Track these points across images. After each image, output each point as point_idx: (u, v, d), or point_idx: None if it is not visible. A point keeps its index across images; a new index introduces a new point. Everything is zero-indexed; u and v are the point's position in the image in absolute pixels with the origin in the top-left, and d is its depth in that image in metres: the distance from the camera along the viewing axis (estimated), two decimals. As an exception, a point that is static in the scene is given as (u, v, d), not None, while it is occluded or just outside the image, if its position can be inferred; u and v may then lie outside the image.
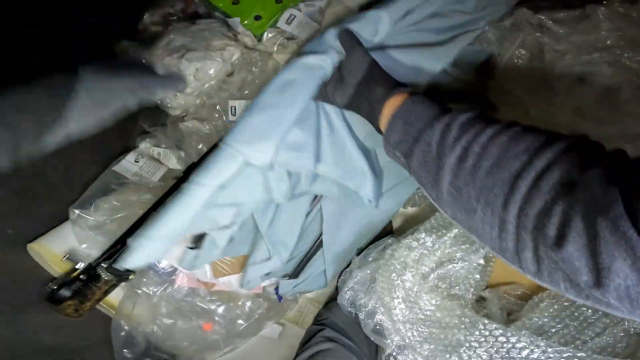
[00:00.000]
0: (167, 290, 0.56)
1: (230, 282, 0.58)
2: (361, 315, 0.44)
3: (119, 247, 0.51)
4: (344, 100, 0.39)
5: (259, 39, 0.71)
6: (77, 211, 0.60)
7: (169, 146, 0.73)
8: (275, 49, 0.69)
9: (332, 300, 0.57)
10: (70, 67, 0.28)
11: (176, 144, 0.71)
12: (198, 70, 0.68)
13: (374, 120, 0.37)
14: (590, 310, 0.38)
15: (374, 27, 0.44)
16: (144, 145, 0.77)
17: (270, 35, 0.70)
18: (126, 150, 0.80)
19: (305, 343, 0.49)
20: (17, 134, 0.24)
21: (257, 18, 0.73)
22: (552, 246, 0.21)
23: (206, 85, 0.68)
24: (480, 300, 0.48)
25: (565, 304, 0.39)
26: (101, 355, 0.58)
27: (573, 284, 0.22)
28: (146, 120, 0.79)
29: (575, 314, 0.38)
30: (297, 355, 0.48)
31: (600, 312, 0.38)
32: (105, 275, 0.50)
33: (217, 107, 0.66)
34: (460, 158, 0.28)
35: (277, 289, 0.63)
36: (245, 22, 0.72)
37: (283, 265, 0.55)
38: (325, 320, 0.51)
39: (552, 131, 0.26)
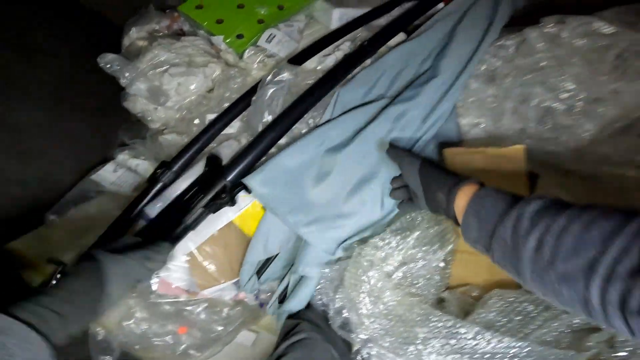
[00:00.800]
0: (145, 296, 0.57)
1: (212, 291, 0.60)
2: (330, 312, 0.48)
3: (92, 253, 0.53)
4: (428, 210, 0.44)
5: (240, 57, 0.76)
6: (52, 216, 0.61)
7: (148, 158, 0.75)
8: (255, 66, 0.74)
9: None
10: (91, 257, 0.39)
11: (155, 156, 0.74)
12: (180, 85, 0.72)
13: (455, 220, 0.40)
14: (532, 306, 0.43)
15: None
16: (123, 157, 0.79)
17: (251, 53, 0.75)
18: (106, 160, 0.82)
19: (284, 335, 0.50)
20: (64, 319, 0.34)
21: (240, 37, 0.78)
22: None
23: (187, 100, 0.72)
24: (440, 301, 0.52)
25: (509, 299, 0.43)
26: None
27: None
28: (126, 133, 0.81)
29: (518, 309, 0.42)
30: (276, 346, 0.49)
31: (540, 307, 0.43)
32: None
33: (196, 120, 0.69)
34: (536, 249, 0.29)
35: (257, 295, 0.65)
36: (228, 40, 0.77)
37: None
38: (302, 316, 0.53)
39: (625, 210, 0.27)
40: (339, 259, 0.54)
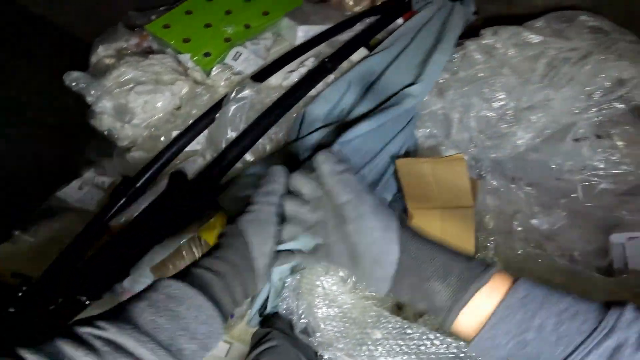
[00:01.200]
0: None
1: None
2: (294, 319, 0.50)
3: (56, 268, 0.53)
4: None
5: (208, 74, 0.78)
6: (17, 232, 0.61)
7: (115, 176, 0.75)
8: (222, 83, 0.76)
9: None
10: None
11: (122, 173, 0.74)
12: (146, 103, 0.73)
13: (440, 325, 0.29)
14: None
15: None
16: (89, 175, 0.79)
17: (218, 70, 0.77)
18: (73, 178, 0.82)
19: (255, 344, 0.51)
20: (228, 282, 0.31)
21: (207, 55, 0.80)
22: None
23: (154, 118, 0.73)
24: (401, 306, 0.55)
25: None
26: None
27: None
28: (93, 151, 0.81)
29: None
30: (248, 355, 0.50)
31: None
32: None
33: (162, 138, 0.70)
34: None
35: None
36: (195, 58, 0.80)
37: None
38: (272, 325, 0.55)
39: None
40: (302, 268, 0.56)
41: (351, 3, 0.90)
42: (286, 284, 0.52)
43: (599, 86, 0.59)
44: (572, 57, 0.61)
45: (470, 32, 0.78)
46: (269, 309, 0.58)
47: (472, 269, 0.26)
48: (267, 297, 0.60)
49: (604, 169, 0.57)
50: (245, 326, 0.65)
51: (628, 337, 0.21)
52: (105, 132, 0.78)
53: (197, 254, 0.62)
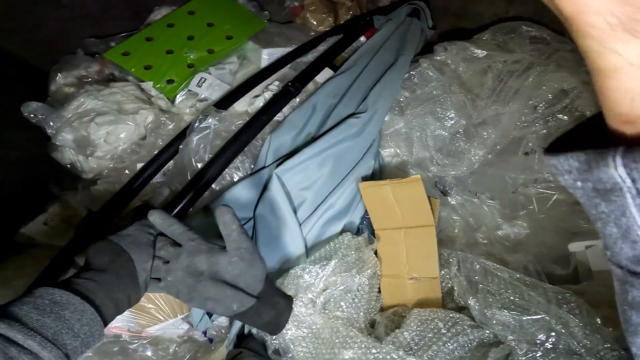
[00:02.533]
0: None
1: (157, 329, 0.60)
2: (267, 340, 0.50)
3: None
4: (241, 307, 0.39)
5: (173, 102, 0.78)
6: None
7: (80, 209, 0.73)
8: (187, 110, 0.76)
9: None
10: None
11: (88, 207, 0.72)
12: (109, 134, 0.72)
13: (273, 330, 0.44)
14: (441, 323, 0.48)
15: None
16: (53, 209, 0.77)
17: (182, 97, 0.77)
18: (37, 213, 0.79)
19: None
20: (108, 289, 0.36)
21: (170, 82, 0.80)
22: None
23: (118, 149, 0.72)
24: (373, 323, 0.56)
25: (424, 318, 0.49)
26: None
27: None
28: (56, 185, 0.79)
29: (431, 326, 0.47)
30: None
31: (449, 324, 0.48)
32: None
33: (127, 171, 0.69)
34: None
35: (205, 331, 0.66)
36: (158, 85, 0.79)
37: None
38: (245, 345, 0.55)
39: None
40: None
41: (315, 23, 0.92)
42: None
43: (543, 98, 0.63)
44: (516, 70, 0.65)
45: (429, 47, 0.81)
46: (246, 330, 0.59)
47: None
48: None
49: (555, 181, 0.61)
50: (226, 350, 0.65)
51: None
52: (68, 166, 0.76)
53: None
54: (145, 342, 0.61)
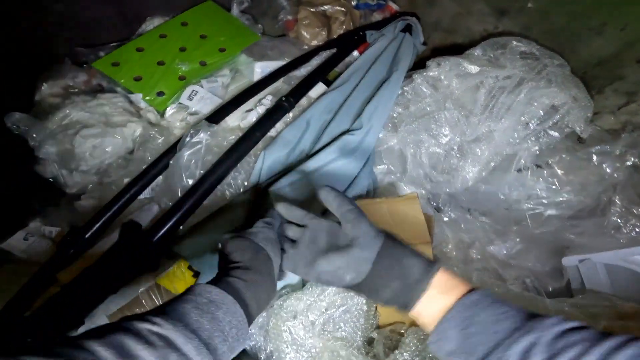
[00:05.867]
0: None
1: None
2: (261, 358, 0.49)
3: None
4: (356, 278, 0.34)
5: (162, 115, 0.76)
6: None
7: (62, 225, 0.70)
8: (178, 124, 0.74)
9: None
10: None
11: (71, 223, 0.69)
12: (95, 148, 0.69)
13: (405, 304, 0.32)
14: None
15: None
16: (34, 225, 0.74)
17: (172, 111, 0.75)
18: (17, 228, 0.76)
19: None
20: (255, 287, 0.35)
21: (160, 94, 0.78)
22: None
23: (104, 163, 0.70)
24: (371, 341, 0.55)
25: (422, 337, 0.48)
26: None
27: None
28: (37, 199, 0.76)
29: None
30: None
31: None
32: None
33: (113, 186, 0.67)
34: None
35: None
36: (148, 98, 0.77)
37: None
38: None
39: None
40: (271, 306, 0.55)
41: (308, 37, 0.92)
42: (255, 323, 0.51)
43: (534, 115, 0.64)
44: (508, 86, 0.66)
45: (421, 61, 0.82)
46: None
47: (429, 271, 0.33)
48: None
49: (547, 197, 0.62)
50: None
51: (542, 336, 0.26)
52: (51, 179, 0.73)
53: (158, 302, 0.59)
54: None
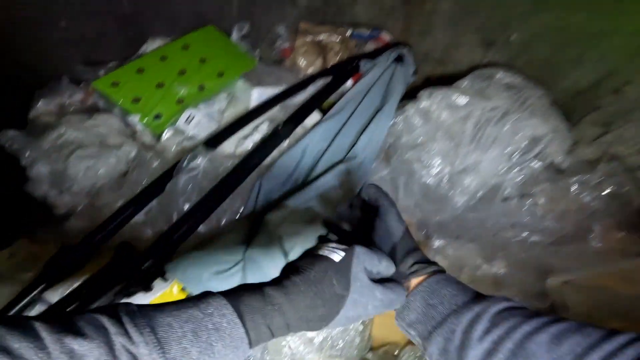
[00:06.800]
0: None
1: None
2: None
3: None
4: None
5: (158, 138, 0.77)
6: None
7: (49, 246, 0.69)
8: (174, 148, 0.75)
9: None
10: None
11: (57, 243, 0.68)
12: (89, 169, 0.69)
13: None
14: None
15: None
16: (21, 243, 0.72)
17: (169, 134, 0.76)
18: (4, 246, 0.74)
19: None
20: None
21: (158, 117, 0.79)
22: None
23: (97, 185, 0.69)
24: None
25: (418, 355, 0.49)
26: None
27: None
28: (24, 219, 0.75)
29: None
30: None
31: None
32: None
33: (104, 210, 0.66)
34: (488, 352, 0.27)
35: None
36: (145, 120, 0.78)
37: None
38: None
39: (605, 329, 0.25)
40: None
41: (304, 65, 0.96)
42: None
43: (518, 146, 0.67)
44: (494, 117, 0.70)
45: (413, 91, 0.86)
46: None
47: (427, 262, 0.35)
48: None
49: (531, 225, 0.65)
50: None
51: (488, 310, 0.29)
52: (41, 200, 0.72)
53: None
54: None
